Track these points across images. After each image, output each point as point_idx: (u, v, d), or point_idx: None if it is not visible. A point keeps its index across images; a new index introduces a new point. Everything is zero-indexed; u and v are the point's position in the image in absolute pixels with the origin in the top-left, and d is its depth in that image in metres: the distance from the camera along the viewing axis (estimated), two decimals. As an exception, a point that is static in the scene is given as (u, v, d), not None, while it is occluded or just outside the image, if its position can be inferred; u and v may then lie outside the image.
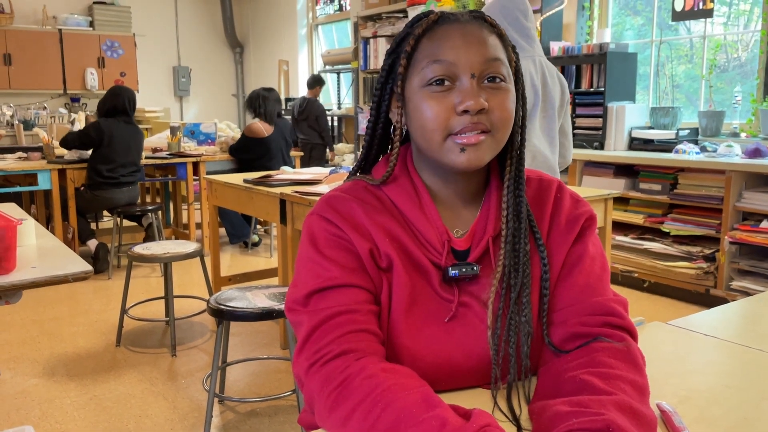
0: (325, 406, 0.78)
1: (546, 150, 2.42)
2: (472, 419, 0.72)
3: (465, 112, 0.85)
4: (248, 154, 5.10)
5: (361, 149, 1.03)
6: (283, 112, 5.36)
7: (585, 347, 0.86)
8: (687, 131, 4.23)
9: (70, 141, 4.49)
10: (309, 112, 6.45)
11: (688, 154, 3.91)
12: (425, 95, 0.88)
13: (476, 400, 0.88)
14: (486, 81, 0.87)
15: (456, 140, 0.87)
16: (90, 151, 4.54)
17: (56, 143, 4.87)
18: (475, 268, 0.91)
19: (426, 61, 0.88)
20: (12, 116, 6.81)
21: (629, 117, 4.39)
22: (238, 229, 5.21)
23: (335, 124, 7.45)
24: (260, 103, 5.08)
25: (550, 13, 4.74)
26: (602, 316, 0.88)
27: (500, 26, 0.93)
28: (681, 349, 1.11)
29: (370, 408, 0.74)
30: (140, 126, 4.99)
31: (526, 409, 0.85)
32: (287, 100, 7.71)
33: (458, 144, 0.87)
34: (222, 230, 5.41)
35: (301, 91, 8.25)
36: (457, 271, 0.90)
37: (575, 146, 4.28)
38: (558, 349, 0.89)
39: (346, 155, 6.84)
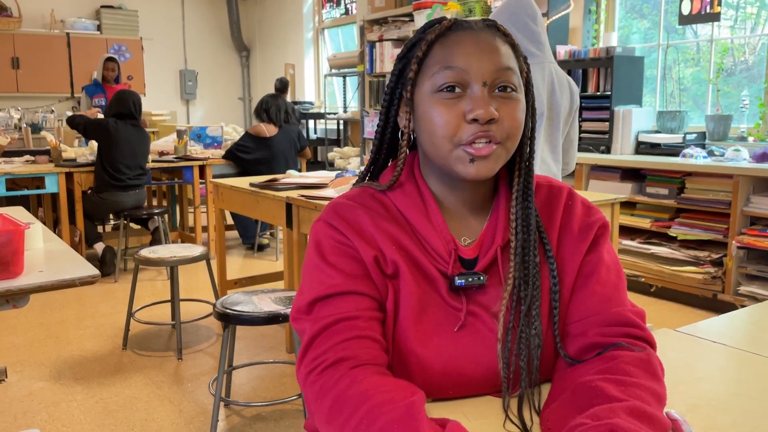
0: (321, 417, 0.80)
1: (548, 158, 2.40)
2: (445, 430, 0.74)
3: (474, 120, 0.85)
4: (251, 154, 5.11)
5: (368, 153, 1.03)
6: (291, 117, 5.35)
7: (604, 356, 0.86)
8: (694, 135, 4.21)
9: (77, 122, 4.53)
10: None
11: (695, 158, 3.90)
12: (435, 101, 0.87)
13: (486, 407, 0.88)
14: (497, 90, 0.87)
15: (466, 149, 0.86)
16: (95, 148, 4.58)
17: (64, 146, 4.90)
18: (481, 278, 0.90)
19: (438, 66, 0.88)
20: (20, 119, 6.85)
21: (636, 121, 4.38)
22: (248, 229, 5.26)
23: (341, 127, 7.46)
24: (262, 107, 5.20)
25: (557, 16, 4.73)
26: (623, 327, 0.88)
27: (512, 35, 0.93)
28: (689, 357, 1.10)
29: (356, 425, 0.75)
30: (147, 129, 5.01)
31: (536, 419, 0.84)
32: (294, 103, 7.71)
33: (468, 154, 0.86)
34: (231, 233, 5.43)
35: (308, 95, 8.27)
36: (463, 281, 0.89)
37: (582, 150, 4.28)
38: (574, 359, 0.88)
39: (351, 158, 6.84)
